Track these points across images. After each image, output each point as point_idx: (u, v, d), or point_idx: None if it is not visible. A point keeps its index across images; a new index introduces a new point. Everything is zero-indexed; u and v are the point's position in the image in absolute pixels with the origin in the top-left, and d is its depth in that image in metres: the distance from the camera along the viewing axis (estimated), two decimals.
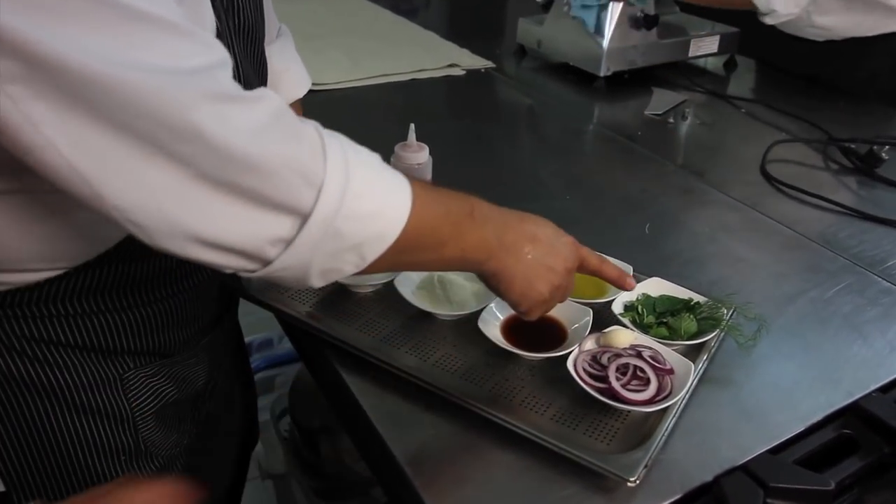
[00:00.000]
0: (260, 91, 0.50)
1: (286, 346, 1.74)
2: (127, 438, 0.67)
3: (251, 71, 0.70)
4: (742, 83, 1.68)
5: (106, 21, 0.42)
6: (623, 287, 0.74)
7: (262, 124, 0.48)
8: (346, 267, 0.54)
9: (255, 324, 1.74)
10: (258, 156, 0.47)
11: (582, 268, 0.70)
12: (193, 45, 0.46)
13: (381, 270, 0.57)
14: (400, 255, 0.56)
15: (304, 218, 0.50)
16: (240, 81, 0.64)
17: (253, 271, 0.52)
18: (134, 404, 0.66)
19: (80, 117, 0.43)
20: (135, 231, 0.48)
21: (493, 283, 0.66)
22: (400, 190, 0.55)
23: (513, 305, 0.68)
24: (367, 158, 0.55)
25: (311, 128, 0.52)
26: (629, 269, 0.84)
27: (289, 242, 0.50)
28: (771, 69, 1.73)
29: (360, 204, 0.52)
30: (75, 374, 0.63)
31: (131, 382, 0.66)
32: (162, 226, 0.47)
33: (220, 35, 0.60)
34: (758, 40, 1.71)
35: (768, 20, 1.44)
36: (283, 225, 0.50)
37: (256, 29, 0.70)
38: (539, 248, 0.66)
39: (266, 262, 0.51)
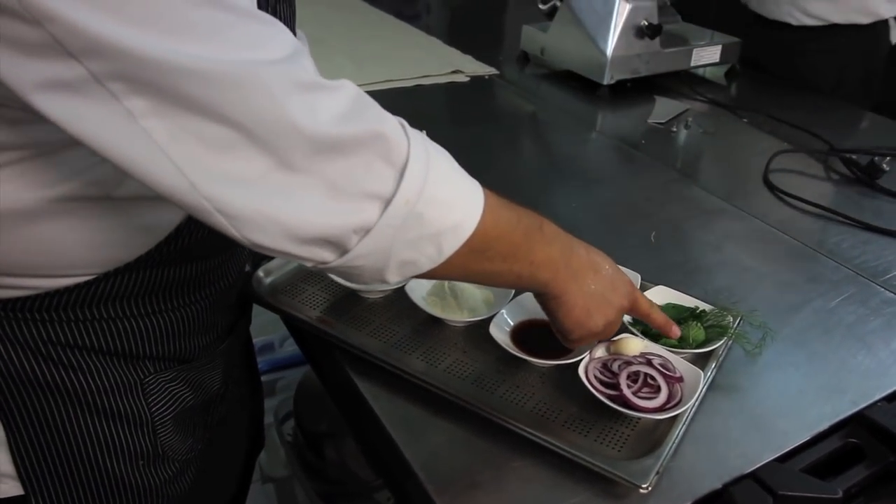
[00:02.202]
0: (340, 81, 0.51)
1: (287, 349, 1.75)
2: (146, 443, 0.67)
3: None
4: (742, 93, 1.69)
5: (194, 15, 0.44)
6: (669, 335, 0.74)
7: (347, 110, 0.49)
8: (423, 260, 0.55)
9: (256, 328, 1.74)
10: (343, 135, 0.48)
11: (633, 310, 0.71)
12: (275, 35, 0.48)
13: (453, 275, 0.58)
14: (474, 257, 0.57)
15: (386, 202, 0.51)
16: None
17: (329, 262, 0.53)
18: (154, 409, 0.67)
19: (174, 109, 0.44)
20: (222, 223, 0.48)
21: (553, 307, 0.67)
22: (474, 185, 0.57)
23: (565, 332, 0.69)
24: (443, 153, 0.56)
25: (388, 115, 0.53)
26: (637, 277, 0.84)
27: (370, 228, 0.51)
28: (770, 78, 1.75)
29: (440, 190, 0.53)
30: (97, 378, 0.63)
31: (151, 387, 0.66)
32: (250, 215, 0.48)
33: None
34: (758, 50, 1.73)
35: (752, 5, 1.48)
36: (366, 210, 0.51)
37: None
38: (601, 281, 0.67)
39: (345, 251, 0.52)
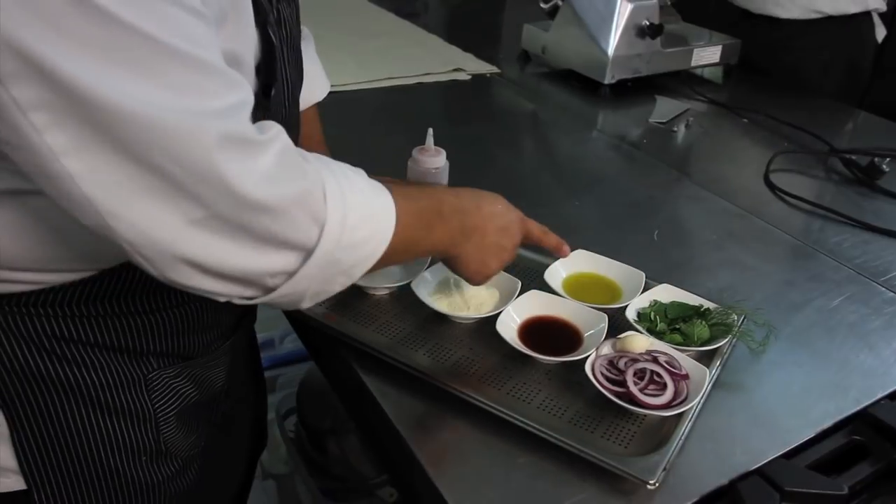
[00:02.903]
0: (271, 132, 0.52)
1: (288, 346, 1.75)
2: (149, 439, 0.67)
3: (297, 78, 0.72)
4: (742, 93, 1.70)
5: (137, 56, 0.43)
6: (560, 254, 0.81)
7: (275, 167, 0.50)
8: (335, 288, 0.59)
9: (257, 324, 1.74)
10: (271, 199, 0.50)
11: (527, 240, 0.78)
12: (221, 85, 0.48)
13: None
14: (381, 264, 0.60)
15: (308, 253, 0.53)
16: (285, 89, 0.66)
17: (252, 299, 0.55)
18: (157, 405, 0.67)
19: (101, 150, 0.44)
20: (142, 263, 0.49)
21: (453, 264, 0.73)
22: (386, 211, 0.60)
23: (466, 279, 0.75)
24: (356, 184, 0.58)
25: (313, 164, 0.55)
26: (642, 275, 0.85)
27: (291, 274, 0.54)
28: (770, 79, 1.75)
29: (356, 233, 0.56)
30: (101, 374, 0.63)
31: (155, 383, 0.66)
32: (170, 261, 0.49)
33: (276, 48, 0.62)
34: (745, 46, 1.74)
35: None
36: (288, 259, 0.53)
37: (296, 38, 0.72)
38: (495, 232, 0.73)
39: (268, 291, 0.54)
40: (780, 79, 1.72)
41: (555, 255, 0.82)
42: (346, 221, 0.55)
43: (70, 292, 0.59)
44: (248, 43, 0.59)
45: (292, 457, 1.35)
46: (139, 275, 0.62)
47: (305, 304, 0.59)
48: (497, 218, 0.73)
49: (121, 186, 0.45)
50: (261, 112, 0.62)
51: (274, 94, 0.64)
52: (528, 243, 0.78)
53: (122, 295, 0.62)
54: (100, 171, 0.44)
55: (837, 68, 1.73)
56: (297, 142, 0.76)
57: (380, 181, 0.61)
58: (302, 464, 1.30)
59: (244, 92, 0.50)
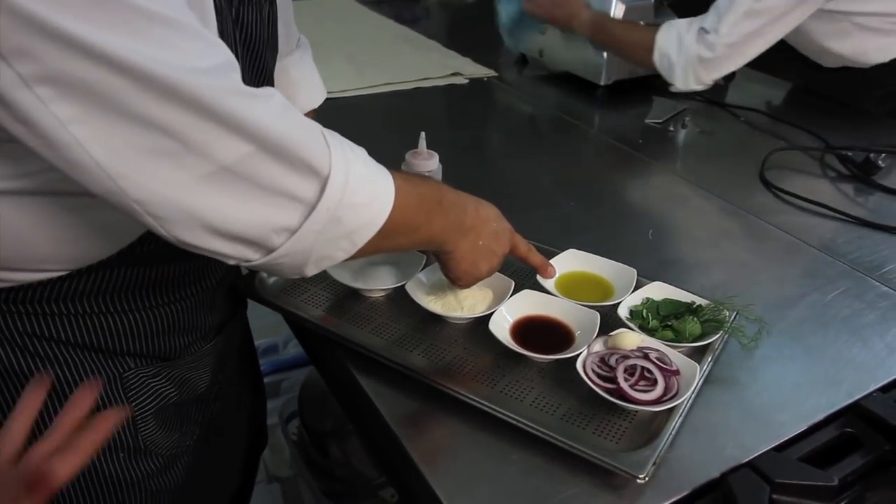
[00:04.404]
0: (267, 89, 0.53)
1: (291, 351, 1.76)
2: (126, 436, 0.68)
3: (251, 83, 0.72)
4: (739, 92, 1.70)
5: (126, 20, 0.44)
6: (544, 275, 0.83)
7: (281, 112, 0.52)
8: (338, 253, 0.60)
9: (261, 329, 1.75)
10: (278, 142, 0.51)
11: (513, 253, 0.80)
12: (206, 47, 0.49)
13: (364, 254, 0.62)
14: (382, 240, 0.61)
15: (310, 207, 0.54)
16: None
17: (253, 261, 0.55)
18: (133, 403, 0.68)
19: (105, 115, 0.45)
20: (153, 223, 0.50)
21: (444, 259, 0.74)
22: (386, 182, 0.61)
23: (454, 279, 0.77)
24: (360, 153, 0.60)
25: (314, 123, 0.57)
26: (633, 273, 0.86)
27: (294, 231, 0.54)
28: (767, 78, 1.76)
29: (357, 195, 0.57)
30: (75, 372, 0.64)
31: (131, 382, 0.67)
32: (180, 217, 0.50)
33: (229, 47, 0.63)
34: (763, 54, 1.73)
35: (672, 89, 1.47)
36: (291, 214, 0.54)
37: (261, 45, 0.72)
38: (488, 235, 0.75)
39: (270, 251, 0.55)
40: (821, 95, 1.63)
41: (540, 274, 0.83)
42: (349, 181, 0.56)
43: (40, 291, 0.60)
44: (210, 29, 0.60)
45: (295, 459, 1.36)
46: (110, 275, 0.63)
47: (309, 270, 0.59)
48: (492, 223, 0.75)
49: (129, 148, 0.46)
50: None
51: None
52: (514, 256, 0.80)
53: (94, 294, 0.63)
54: (107, 135, 0.45)
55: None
56: None
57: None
58: (304, 466, 1.31)
59: (228, 55, 0.51)
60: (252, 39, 0.69)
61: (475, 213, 0.74)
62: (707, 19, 1.37)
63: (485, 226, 0.74)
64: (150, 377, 0.69)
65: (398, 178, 0.63)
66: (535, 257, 0.82)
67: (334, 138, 0.58)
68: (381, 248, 0.64)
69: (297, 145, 0.52)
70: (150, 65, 0.45)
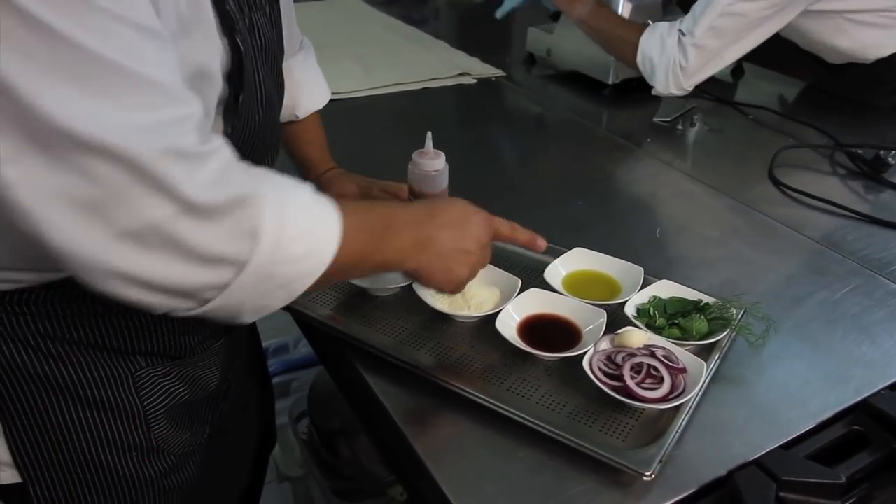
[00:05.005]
0: (213, 144, 0.52)
1: (301, 351, 1.77)
2: (139, 435, 0.69)
3: (272, 86, 0.73)
4: (749, 90, 1.70)
5: (79, 70, 0.44)
6: (535, 248, 0.80)
7: (212, 177, 0.50)
8: (275, 302, 0.58)
9: (271, 329, 1.76)
10: (206, 207, 0.49)
11: (497, 239, 0.77)
12: (163, 100, 0.48)
13: (316, 290, 0.61)
14: (325, 281, 0.59)
15: (240, 268, 0.53)
16: (259, 96, 0.67)
17: (189, 310, 0.54)
18: (146, 402, 0.68)
19: (37, 159, 0.44)
20: (76, 273, 0.49)
21: (415, 277, 0.72)
22: (329, 228, 0.59)
23: (436, 290, 0.76)
24: (300, 198, 0.58)
25: (254, 177, 0.55)
26: (640, 271, 0.86)
27: (223, 288, 0.53)
28: (775, 75, 1.75)
29: (294, 248, 0.55)
30: (88, 371, 0.65)
31: (143, 381, 0.68)
32: (101, 272, 0.49)
33: (245, 55, 0.63)
34: (771, 51, 1.73)
35: (654, 92, 1.46)
36: (220, 273, 0.52)
37: (273, 47, 0.73)
38: (452, 237, 0.71)
39: (200, 304, 0.54)
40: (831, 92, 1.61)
41: (530, 250, 0.81)
42: (284, 235, 0.54)
43: (52, 291, 0.61)
44: (212, 52, 0.60)
45: (305, 459, 1.37)
46: None
47: (246, 319, 0.58)
48: (453, 224, 0.72)
49: (56, 196, 0.45)
50: (231, 118, 0.64)
51: (244, 101, 0.65)
52: (500, 241, 0.78)
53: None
54: (36, 179, 0.45)
55: None
56: (277, 146, 0.77)
57: (329, 198, 0.61)
58: (314, 465, 1.31)
59: (189, 107, 0.50)
60: (266, 45, 0.70)
61: (430, 221, 0.71)
62: (684, 22, 1.36)
63: (446, 231, 0.71)
64: (161, 376, 0.70)
65: (344, 210, 0.60)
66: (522, 235, 0.79)
67: (273, 188, 0.55)
68: (324, 285, 0.62)
69: (225, 210, 0.51)
70: (88, 121, 0.44)
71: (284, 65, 0.97)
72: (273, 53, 0.73)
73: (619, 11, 1.53)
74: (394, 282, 0.85)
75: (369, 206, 0.69)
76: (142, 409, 0.68)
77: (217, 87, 0.62)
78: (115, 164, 0.45)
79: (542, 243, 0.80)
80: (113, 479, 0.69)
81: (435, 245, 0.70)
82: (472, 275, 0.74)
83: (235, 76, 0.63)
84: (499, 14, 1.60)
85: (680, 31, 1.36)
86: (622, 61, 1.50)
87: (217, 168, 0.51)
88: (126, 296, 0.51)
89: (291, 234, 0.55)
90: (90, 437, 0.66)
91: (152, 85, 0.48)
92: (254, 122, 0.67)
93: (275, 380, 1.64)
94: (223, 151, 0.53)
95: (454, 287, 0.74)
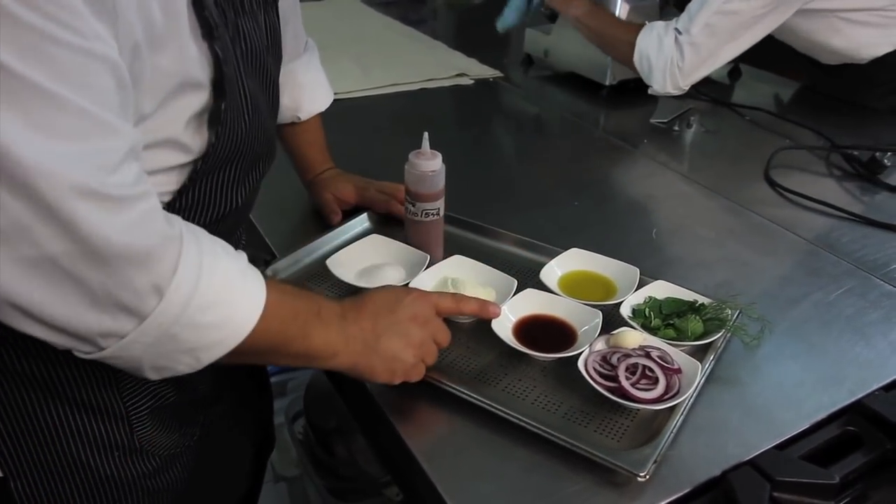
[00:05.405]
0: (139, 188, 0.51)
1: None
2: (121, 435, 0.68)
3: (259, 92, 0.71)
4: (746, 91, 1.70)
5: (8, 93, 0.43)
6: (488, 316, 0.76)
7: (129, 223, 0.49)
8: (180, 367, 0.56)
9: None
10: (113, 252, 0.48)
11: (442, 314, 0.72)
12: (88, 126, 0.47)
13: (225, 364, 0.59)
14: (241, 357, 0.58)
15: (140, 320, 0.51)
16: (244, 103, 0.65)
17: (87, 353, 0.53)
18: (129, 403, 0.68)
19: None
20: None
21: (356, 376, 0.69)
22: (250, 300, 0.57)
23: (388, 384, 0.70)
24: (223, 266, 0.56)
25: (176, 233, 0.53)
26: (636, 272, 0.86)
27: (121, 337, 0.51)
28: (772, 76, 1.75)
29: (203, 315, 0.53)
30: (70, 371, 0.64)
31: (126, 382, 0.67)
32: (1, 300, 0.47)
33: (225, 62, 0.62)
34: (767, 53, 1.73)
35: (650, 91, 1.46)
36: (118, 322, 0.51)
37: (263, 53, 0.71)
38: (385, 324, 0.68)
39: (97, 349, 0.52)
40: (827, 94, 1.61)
41: (482, 317, 0.76)
42: (193, 300, 0.52)
43: None
44: (194, 60, 0.59)
45: (301, 459, 1.37)
46: None
47: (149, 375, 0.56)
48: (384, 311, 0.69)
49: None
50: (216, 126, 0.63)
51: (226, 109, 0.63)
52: (446, 316, 0.74)
53: None
54: None
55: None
56: (269, 155, 0.76)
57: (258, 274, 0.59)
58: (310, 465, 1.32)
59: (119, 139, 0.49)
60: (253, 52, 0.69)
61: (358, 314, 0.68)
62: (680, 20, 1.37)
63: (378, 319, 0.68)
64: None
65: (274, 290, 0.59)
66: (469, 305, 0.74)
67: (194, 250, 0.53)
68: (240, 362, 0.60)
69: (136, 258, 0.49)
70: (7, 141, 0.43)
71: (288, 67, 0.97)
72: (262, 59, 0.71)
73: (617, 12, 1.54)
74: (389, 282, 0.85)
75: (300, 292, 0.65)
76: (125, 409, 0.68)
77: (204, 93, 0.61)
78: (19, 193, 0.44)
79: (494, 310, 0.76)
80: (95, 477, 0.68)
81: (366, 338, 0.67)
82: (419, 356, 0.70)
83: (218, 84, 0.62)
84: (500, 27, 1.61)
85: (676, 29, 1.37)
86: (619, 61, 1.51)
87: (136, 216, 0.49)
88: (23, 329, 0.50)
89: (203, 302, 0.53)
90: (71, 435, 0.66)
91: (80, 112, 0.46)
92: (239, 129, 0.66)
93: (272, 379, 1.65)
94: (147, 200, 0.51)
95: (403, 376, 0.70)
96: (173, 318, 0.52)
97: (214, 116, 0.63)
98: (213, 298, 0.54)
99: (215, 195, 0.68)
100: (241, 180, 0.70)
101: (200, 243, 0.55)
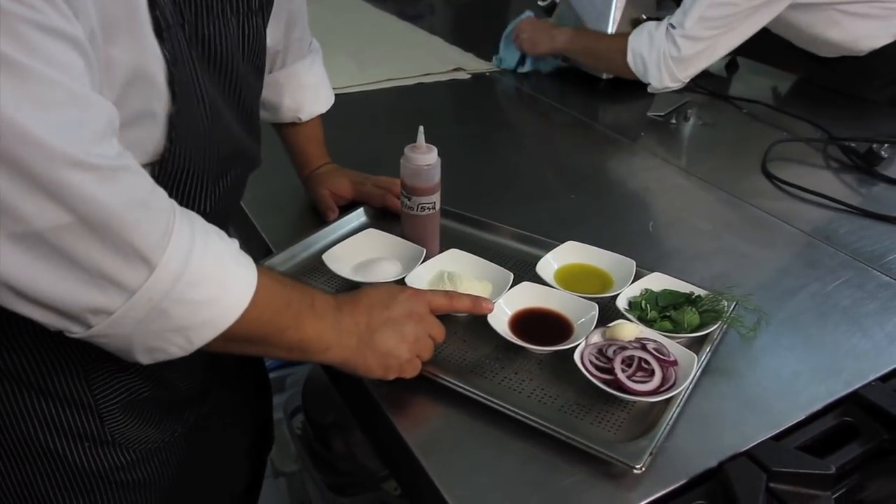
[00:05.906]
0: (123, 160, 0.50)
1: None
2: (91, 426, 0.68)
3: (218, 97, 0.68)
4: (743, 84, 1.70)
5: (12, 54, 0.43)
6: (481, 311, 0.75)
7: (116, 194, 0.48)
8: (171, 348, 0.55)
9: None
10: (103, 223, 0.48)
11: (435, 312, 0.72)
12: (65, 97, 0.46)
13: (218, 353, 0.58)
14: (234, 344, 0.58)
15: (130, 294, 0.50)
16: (204, 109, 0.64)
17: (72, 333, 0.52)
18: (98, 394, 0.68)
19: None
20: None
21: (349, 371, 0.68)
22: (242, 281, 0.56)
23: (382, 379, 0.70)
24: (217, 246, 0.56)
25: (165, 208, 0.53)
26: (632, 264, 0.86)
27: (110, 314, 0.51)
28: (769, 69, 1.75)
29: (194, 291, 0.53)
30: (36, 359, 0.64)
31: (95, 374, 0.67)
32: None
33: (176, 64, 0.59)
34: (764, 46, 1.73)
35: (650, 89, 1.46)
36: (107, 296, 0.50)
37: (229, 59, 0.68)
38: (378, 319, 0.68)
39: (86, 328, 0.51)
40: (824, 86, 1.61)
41: (475, 312, 0.76)
42: (183, 275, 0.52)
43: None
44: (148, 56, 0.57)
45: (300, 454, 1.37)
46: None
47: (140, 358, 0.55)
48: (378, 305, 0.69)
49: None
50: (170, 129, 0.61)
51: (178, 111, 0.61)
52: (440, 313, 0.73)
53: None
54: None
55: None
56: (250, 158, 0.75)
57: (251, 261, 0.58)
58: (309, 460, 1.32)
59: (97, 110, 0.49)
60: (216, 55, 0.67)
61: (352, 310, 0.68)
62: (674, 16, 1.37)
63: (372, 312, 0.68)
64: (117, 371, 0.68)
65: (266, 276, 0.58)
66: (462, 302, 0.74)
67: (186, 227, 0.53)
68: (232, 350, 0.60)
69: (126, 228, 0.48)
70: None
71: (291, 68, 0.97)
72: (229, 64, 0.68)
73: (614, 6, 1.53)
74: (386, 276, 0.85)
75: (294, 283, 0.65)
76: (93, 401, 0.68)
77: (160, 92, 0.59)
78: (3, 167, 0.43)
79: (487, 306, 0.76)
80: (64, 466, 0.68)
81: (360, 332, 0.67)
82: (421, 350, 0.71)
83: (171, 85, 0.60)
84: (498, 66, 1.68)
85: (670, 24, 1.37)
86: (614, 71, 1.52)
87: (124, 185, 0.49)
88: (14, 307, 0.49)
89: (193, 278, 0.53)
90: (37, 422, 0.66)
91: (56, 84, 0.46)
92: (197, 131, 0.64)
93: (270, 375, 1.65)
94: (136, 171, 0.51)
95: (398, 371, 0.70)
96: (163, 293, 0.51)
97: (171, 119, 0.61)
98: (205, 275, 0.53)
99: (179, 202, 0.67)
100: (207, 188, 0.68)
101: (193, 223, 0.55)
